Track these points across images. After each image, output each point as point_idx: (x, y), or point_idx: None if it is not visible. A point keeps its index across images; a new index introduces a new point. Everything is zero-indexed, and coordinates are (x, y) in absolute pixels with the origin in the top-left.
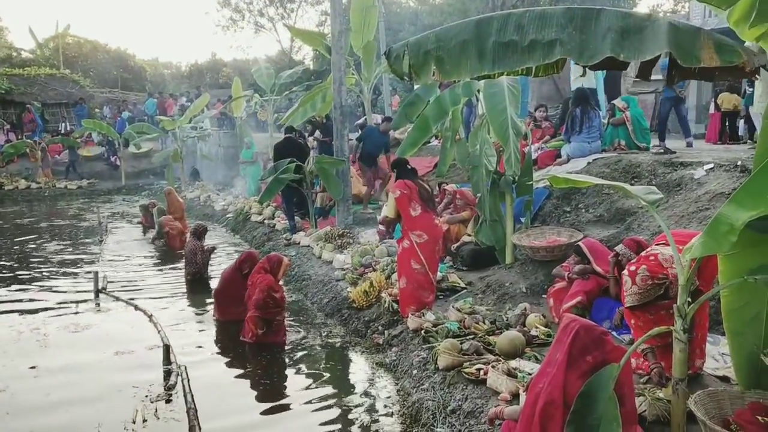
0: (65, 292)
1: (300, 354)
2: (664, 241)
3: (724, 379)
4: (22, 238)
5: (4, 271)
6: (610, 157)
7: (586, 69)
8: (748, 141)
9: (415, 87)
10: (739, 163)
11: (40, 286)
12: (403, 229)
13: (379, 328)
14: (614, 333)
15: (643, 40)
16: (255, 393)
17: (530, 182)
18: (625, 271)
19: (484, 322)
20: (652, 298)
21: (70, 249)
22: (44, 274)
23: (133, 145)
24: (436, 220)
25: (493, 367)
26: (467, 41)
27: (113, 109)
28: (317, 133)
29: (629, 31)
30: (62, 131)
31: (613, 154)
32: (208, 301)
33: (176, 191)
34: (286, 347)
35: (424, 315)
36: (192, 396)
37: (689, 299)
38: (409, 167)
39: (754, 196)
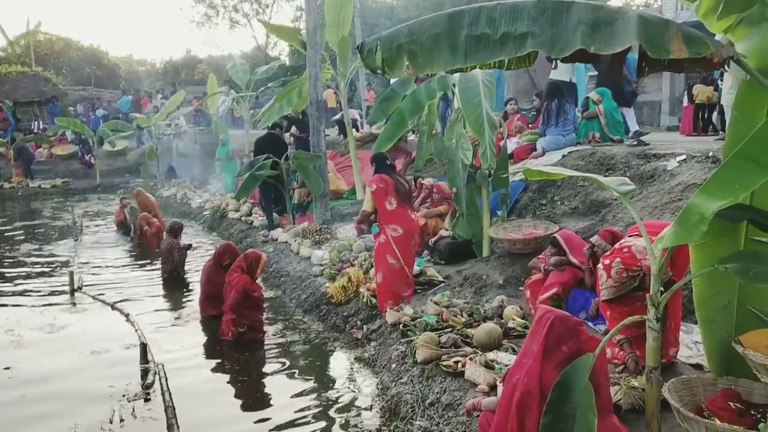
0: (40, 292)
1: (279, 350)
2: (637, 233)
3: (697, 366)
4: None
5: None
6: (585, 150)
7: (558, 62)
8: (721, 132)
9: (391, 82)
10: (710, 154)
11: (15, 286)
12: (379, 223)
13: (358, 323)
14: (590, 323)
15: (613, 32)
16: (234, 390)
17: (506, 175)
18: (600, 265)
19: (461, 315)
20: (627, 290)
21: (45, 249)
22: (19, 274)
23: (107, 143)
24: (412, 214)
25: (470, 359)
26: (439, 35)
27: (87, 107)
28: (293, 129)
29: (600, 24)
30: (35, 130)
31: (588, 146)
32: (186, 299)
33: (152, 189)
34: (265, 344)
35: (402, 309)
36: (170, 394)
37: (662, 289)
38: (388, 162)
39: (723, 186)
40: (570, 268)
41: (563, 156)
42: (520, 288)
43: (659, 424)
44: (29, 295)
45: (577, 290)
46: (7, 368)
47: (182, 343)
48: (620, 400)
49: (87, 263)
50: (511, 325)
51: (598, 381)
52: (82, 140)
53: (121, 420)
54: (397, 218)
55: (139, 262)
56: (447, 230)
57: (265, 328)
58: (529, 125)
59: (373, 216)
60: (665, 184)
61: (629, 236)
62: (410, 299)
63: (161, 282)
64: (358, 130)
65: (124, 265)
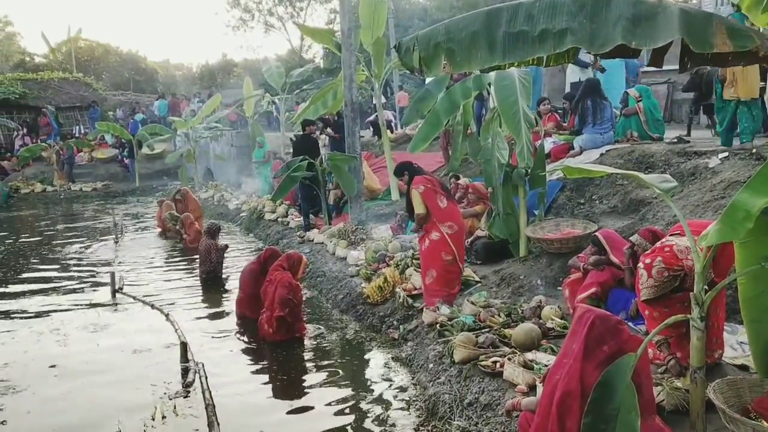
0: (83, 292)
1: (316, 350)
2: (679, 231)
3: (743, 367)
4: (39, 241)
5: (22, 273)
6: (623, 148)
7: (598, 58)
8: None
9: (426, 82)
10: (754, 150)
11: (59, 287)
12: (431, 222)
13: (394, 323)
14: (630, 324)
15: (654, 26)
16: (272, 388)
17: (543, 174)
18: (641, 264)
19: (499, 315)
20: (667, 290)
21: (87, 250)
22: (62, 275)
23: (146, 147)
24: (459, 209)
25: (509, 359)
26: (477, 32)
27: (126, 111)
28: (328, 130)
29: (640, 18)
30: (76, 134)
31: (626, 144)
32: (224, 299)
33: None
34: (303, 344)
35: (438, 309)
36: (210, 392)
37: (706, 287)
38: (416, 166)
39: None
40: (610, 267)
41: (601, 155)
42: (559, 288)
43: (704, 426)
44: (73, 295)
45: (617, 290)
46: (53, 366)
47: (221, 342)
48: (663, 400)
49: (127, 264)
50: (549, 325)
51: (640, 381)
52: (122, 144)
53: (163, 417)
54: (451, 215)
55: (178, 264)
56: (483, 230)
57: (305, 327)
58: (563, 124)
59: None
60: (707, 182)
61: (670, 235)
62: (456, 296)
63: (199, 282)
64: (392, 131)
65: (163, 266)
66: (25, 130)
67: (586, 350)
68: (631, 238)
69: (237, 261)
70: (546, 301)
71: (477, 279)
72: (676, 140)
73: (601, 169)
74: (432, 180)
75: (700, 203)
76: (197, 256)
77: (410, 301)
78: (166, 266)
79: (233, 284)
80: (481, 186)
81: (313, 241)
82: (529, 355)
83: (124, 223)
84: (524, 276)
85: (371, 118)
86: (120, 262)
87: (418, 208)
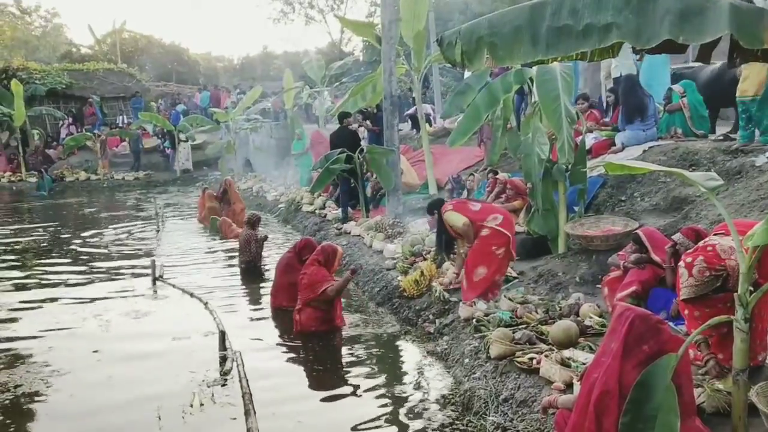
0: (125, 279)
1: (352, 342)
2: (723, 231)
3: None
4: (83, 228)
5: (67, 260)
6: (667, 145)
7: (644, 54)
8: None
9: (465, 76)
10: None
11: (102, 274)
12: (476, 226)
13: (430, 317)
14: (671, 323)
15: (703, 21)
16: (308, 379)
17: (584, 170)
18: (682, 263)
19: (536, 312)
20: (708, 290)
21: (129, 238)
22: (104, 263)
23: (187, 137)
24: (497, 202)
25: (546, 356)
26: (520, 26)
27: (168, 102)
28: (367, 122)
29: (688, 13)
30: (120, 124)
31: (670, 141)
32: (263, 289)
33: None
34: (339, 335)
35: (475, 304)
36: (247, 381)
37: (751, 288)
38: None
39: None
40: (651, 266)
41: (644, 151)
42: (597, 286)
43: (746, 429)
44: (114, 282)
45: (657, 289)
46: (96, 351)
47: (259, 331)
48: (704, 402)
49: (168, 253)
50: (588, 323)
51: (680, 382)
52: (164, 134)
53: (201, 404)
54: (489, 210)
55: (218, 253)
56: (522, 226)
57: (342, 319)
58: (603, 121)
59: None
60: (753, 181)
61: (714, 234)
62: (501, 284)
63: (239, 272)
64: (431, 125)
65: (202, 255)
66: (70, 120)
67: (625, 349)
68: (673, 237)
69: (275, 252)
70: (584, 298)
71: (515, 275)
72: (722, 137)
73: (643, 166)
74: (454, 202)
75: (746, 202)
76: (236, 245)
77: (446, 295)
78: (206, 255)
79: (272, 275)
80: (520, 181)
81: (350, 233)
82: (567, 353)
83: (164, 212)
84: (562, 273)
85: (410, 111)
86: (160, 250)
87: (459, 221)
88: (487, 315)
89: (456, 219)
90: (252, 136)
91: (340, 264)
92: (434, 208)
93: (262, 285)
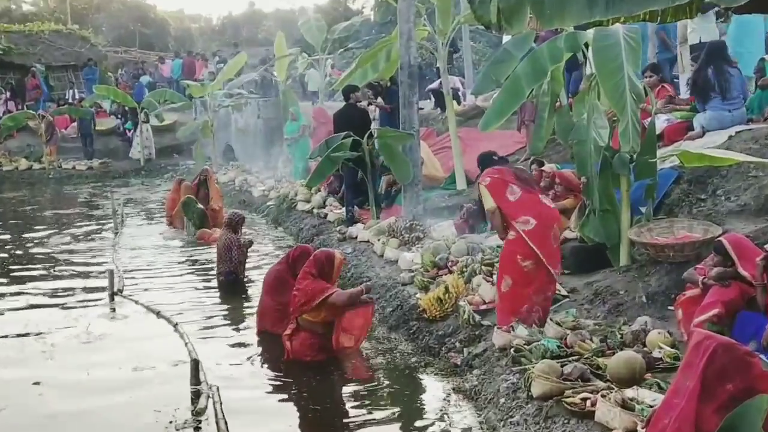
0: (75, 294)
1: (357, 375)
2: None
3: None
4: (23, 230)
5: (2, 270)
6: (759, 129)
7: (730, 13)
8: None
9: (503, 41)
10: None
11: (46, 287)
12: (506, 221)
13: (457, 344)
14: (762, 356)
15: None
16: (300, 421)
17: (653, 161)
18: None
19: (591, 340)
20: None
21: (81, 243)
22: (50, 272)
23: (153, 117)
24: (545, 199)
25: (603, 396)
26: None
27: (130, 72)
28: (378, 100)
29: None
30: (70, 100)
31: (763, 125)
32: (246, 308)
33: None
34: (341, 365)
35: (513, 330)
36: (225, 423)
37: None
38: (496, 157)
39: None
40: (738, 283)
41: (729, 137)
42: (670, 307)
43: None
44: (62, 297)
45: (746, 312)
46: (37, 383)
47: (241, 360)
48: None
49: (129, 261)
50: (656, 354)
51: None
52: (124, 113)
53: None
54: (526, 207)
55: (191, 262)
56: (573, 231)
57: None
58: (677, 98)
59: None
60: None
61: None
62: (548, 305)
63: (217, 286)
64: (459, 103)
65: (173, 264)
66: (8, 94)
67: (703, 388)
68: (766, 246)
69: (262, 261)
70: (652, 323)
71: (564, 293)
72: None
73: (728, 156)
74: (503, 170)
75: None
76: (213, 252)
77: (477, 317)
78: (176, 265)
79: (258, 291)
80: (571, 175)
81: (356, 238)
82: (629, 392)
83: (125, 211)
84: (625, 291)
85: (433, 85)
86: (120, 259)
87: (488, 204)
88: (528, 343)
89: (485, 198)
90: (234, 116)
91: (340, 274)
92: (483, 165)
93: (245, 303)
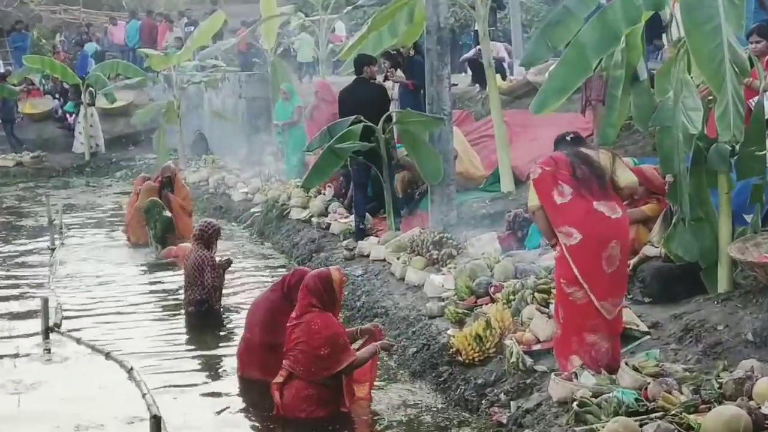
0: None
1: None
2: None
3: None
4: None
5: None
6: None
7: None
8: None
9: None
10: None
11: None
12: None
13: (502, 396)
14: None
15: None
16: None
17: (761, 154)
18: None
19: (680, 391)
20: None
21: (7, 262)
22: None
23: (102, 97)
24: (601, 206)
25: None
26: None
27: (71, 38)
28: (398, 73)
29: None
30: None
31: None
32: (223, 347)
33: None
34: (349, 419)
35: (577, 377)
36: None
37: None
38: (569, 138)
39: None
40: None
41: None
42: None
43: None
44: None
45: None
46: None
47: (215, 417)
48: None
49: (69, 286)
50: (766, 410)
51: None
52: (64, 91)
53: None
54: (570, 215)
55: (151, 286)
56: (656, 246)
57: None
58: None
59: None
60: None
61: None
62: (614, 355)
63: (184, 318)
64: (505, 77)
65: (127, 291)
66: None
67: None
68: None
69: (244, 287)
70: (761, 369)
71: (643, 328)
72: None
73: None
74: (561, 159)
75: None
76: (181, 274)
77: (529, 361)
78: (132, 291)
79: (238, 324)
80: (653, 172)
81: (368, 256)
82: None
83: (64, 220)
84: (725, 326)
85: (470, 54)
86: (58, 282)
87: (532, 202)
88: (596, 395)
89: (530, 194)
90: (208, 95)
91: (342, 298)
92: (556, 144)
93: (221, 341)
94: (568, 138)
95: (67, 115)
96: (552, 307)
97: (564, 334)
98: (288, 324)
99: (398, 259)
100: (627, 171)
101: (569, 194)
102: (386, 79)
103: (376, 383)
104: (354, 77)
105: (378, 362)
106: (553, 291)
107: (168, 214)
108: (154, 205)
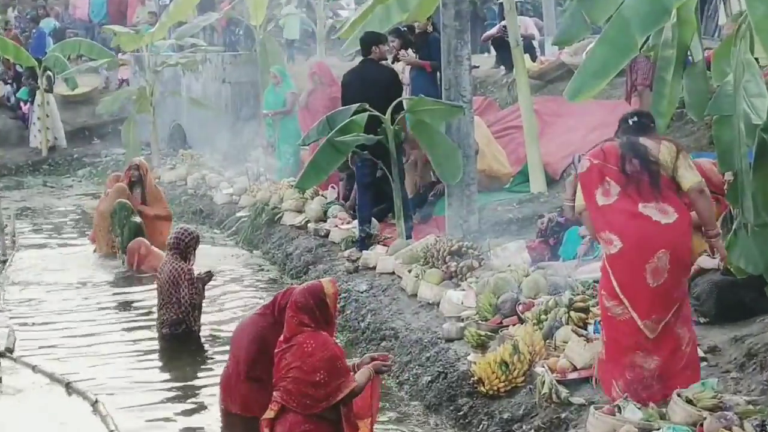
0: None
1: None
2: None
3: None
4: None
5: None
6: None
7: None
8: None
9: None
10: None
11: None
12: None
13: None
14: None
15: None
16: None
17: None
18: None
19: (741, 427)
20: None
21: None
22: None
23: (62, 82)
24: (647, 209)
25: None
26: None
27: (25, 13)
28: (409, 52)
29: None
30: None
31: None
32: (202, 377)
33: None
34: None
35: (620, 410)
36: None
37: None
38: (632, 121)
39: None
40: None
41: None
42: None
43: None
44: None
45: None
46: None
47: None
48: None
49: (24, 305)
50: None
51: None
52: (18, 76)
53: None
54: (612, 220)
55: (120, 306)
56: (713, 257)
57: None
58: None
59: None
60: None
61: None
62: (650, 379)
63: (157, 341)
64: (534, 58)
65: (90, 310)
66: None
67: None
68: None
69: (228, 305)
70: None
71: (699, 353)
72: None
73: None
74: (612, 150)
75: None
76: (154, 290)
77: (564, 393)
78: (97, 310)
79: (219, 348)
80: (711, 167)
81: (374, 269)
82: None
83: (17, 227)
84: None
85: (493, 31)
86: (9, 302)
87: (576, 199)
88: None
89: (577, 192)
90: (186, 80)
91: (336, 312)
92: (619, 130)
93: (201, 369)
94: (630, 121)
95: (21, 104)
96: (591, 328)
97: (606, 355)
98: (276, 350)
99: (410, 272)
100: (692, 170)
101: (615, 194)
102: (395, 60)
103: (382, 418)
104: (351, 63)
105: (380, 391)
106: (593, 309)
107: (137, 219)
108: (122, 208)
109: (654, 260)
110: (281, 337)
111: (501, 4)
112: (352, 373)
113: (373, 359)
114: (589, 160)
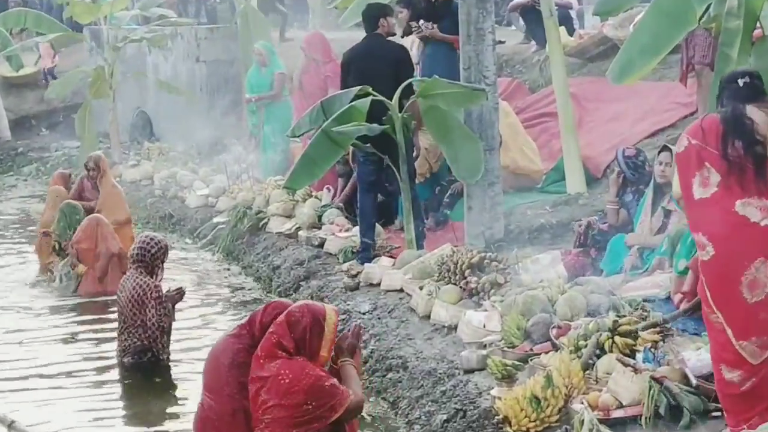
0: None
1: None
2: None
3: None
4: None
5: None
6: None
7: None
8: None
9: None
10: None
11: None
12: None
13: None
14: None
15: None
16: None
17: None
18: None
19: None
20: None
21: None
22: None
23: (5, 62)
24: (746, 207)
25: None
26: None
27: None
28: (420, 23)
29: None
30: None
31: None
32: (171, 409)
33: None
34: None
35: None
36: None
37: None
38: (743, 82)
39: None
40: None
41: None
42: None
43: None
44: None
45: None
46: None
47: None
48: None
49: None
50: None
51: None
52: None
53: None
54: (706, 219)
55: (70, 328)
56: None
57: None
58: None
59: None
60: None
61: None
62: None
63: (118, 372)
64: (572, 32)
65: (39, 334)
66: None
67: None
68: None
69: (203, 329)
70: None
71: None
72: None
73: None
74: (712, 127)
75: None
76: (113, 313)
77: None
78: (46, 335)
79: (194, 380)
80: None
81: (379, 285)
82: None
83: None
84: None
85: None
86: None
87: (674, 185)
88: None
89: (674, 176)
90: (153, 59)
91: (336, 341)
92: (722, 96)
93: (170, 402)
94: (741, 81)
95: None
96: (639, 356)
97: (719, 387)
98: (251, 377)
99: (421, 289)
100: None
101: (714, 184)
102: (406, 33)
103: None
104: (353, 34)
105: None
106: (642, 334)
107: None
108: (72, 212)
109: (751, 271)
110: (257, 351)
111: None
112: (343, 388)
113: (340, 348)
114: (687, 139)
